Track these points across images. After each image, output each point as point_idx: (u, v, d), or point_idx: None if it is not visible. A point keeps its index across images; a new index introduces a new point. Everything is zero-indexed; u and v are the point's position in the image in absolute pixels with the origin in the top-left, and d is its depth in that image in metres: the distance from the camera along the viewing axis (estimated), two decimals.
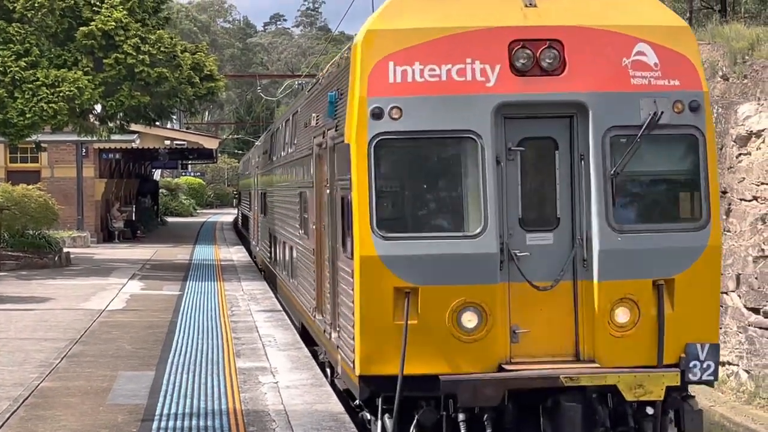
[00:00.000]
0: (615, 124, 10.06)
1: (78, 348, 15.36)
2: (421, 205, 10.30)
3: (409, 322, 9.73)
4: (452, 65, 9.93)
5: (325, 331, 12.68)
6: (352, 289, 10.13)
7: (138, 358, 14.60)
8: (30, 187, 33.18)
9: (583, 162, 10.04)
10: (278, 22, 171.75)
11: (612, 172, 10.02)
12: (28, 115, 25.61)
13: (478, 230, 9.84)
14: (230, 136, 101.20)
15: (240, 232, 50.45)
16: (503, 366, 9.90)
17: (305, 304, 15.22)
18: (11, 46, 26.05)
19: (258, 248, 30.02)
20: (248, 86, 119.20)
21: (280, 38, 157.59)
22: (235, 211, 79.12)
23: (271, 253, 23.09)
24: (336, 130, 11.26)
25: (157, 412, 11.15)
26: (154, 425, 10.56)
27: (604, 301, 9.96)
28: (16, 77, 25.66)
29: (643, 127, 10.00)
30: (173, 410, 11.25)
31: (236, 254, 36.73)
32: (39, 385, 12.51)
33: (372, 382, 10.00)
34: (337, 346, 11.49)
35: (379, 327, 9.84)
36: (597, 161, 9.99)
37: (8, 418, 10.73)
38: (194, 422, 10.72)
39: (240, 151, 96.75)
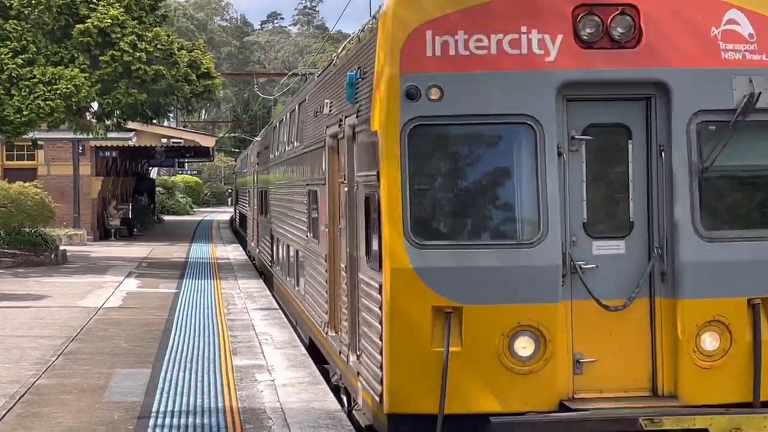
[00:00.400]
0: (703, 108, 8.32)
1: (74, 345, 15.33)
2: (466, 207, 8.47)
3: (450, 348, 8.03)
4: (504, 35, 8.20)
5: (341, 352, 11.04)
6: (379, 307, 8.49)
7: (134, 355, 14.57)
8: (26, 184, 33.17)
9: (663, 154, 8.32)
10: (275, 21, 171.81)
11: (700, 167, 8.32)
12: (24, 113, 25.60)
13: (536, 238, 8.18)
14: (227, 135, 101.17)
15: (237, 231, 50.45)
16: (565, 403, 8.19)
17: (314, 316, 13.54)
18: (8, 43, 26.05)
19: (257, 249, 28.57)
20: (245, 85, 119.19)
21: (277, 36, 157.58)
22: (232, 209, 79.32)
23: (272, 255, 21.88)
24: (357, 117, 9.56)
25: (154, 409, 11.13)
26: (151, 422, 10.53)
27: (689, 324, 8.25)
28: (12, 74, 25.65)
29: (738, 111, 8.26)
30: (170, 408, 11.22)
31: (233, 252, 36.72)
32: (35, 382, 12.48)
33: (404, 422, 8.25)
34: (357, 373, 9.82)
35: (414, 354, 8.12)
36: (680, 153, 8.28)
37: (4, 415, 10.70)
38: (191, 420, 10.68)
39: (237, 150, 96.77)
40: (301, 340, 15.86)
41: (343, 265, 10.76)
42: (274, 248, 21.26)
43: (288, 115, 18.00)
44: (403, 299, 8.13)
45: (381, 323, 8.41)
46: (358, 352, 9.75)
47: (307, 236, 14.25)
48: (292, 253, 16.92)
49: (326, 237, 12.02)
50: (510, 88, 8.18)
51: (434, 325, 8.10)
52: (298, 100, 16.09)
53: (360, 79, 9.56)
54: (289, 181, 17.54)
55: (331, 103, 11.68)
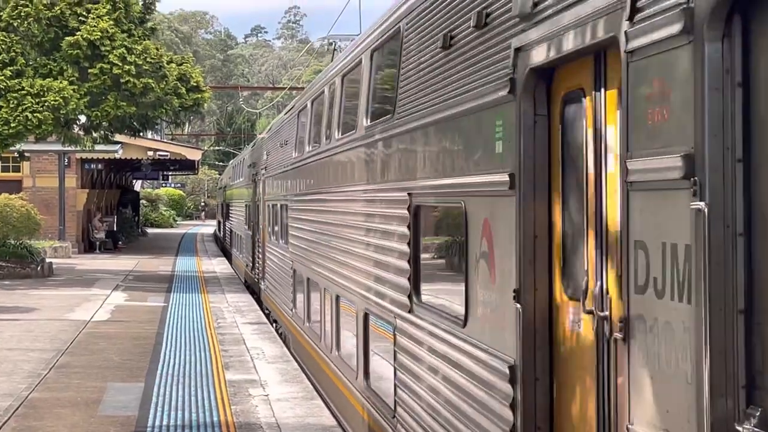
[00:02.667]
0: None
1: (65, 359, 15.27)
2: None
3: None
4: None
5: None
6: None
7: (126, 369, 14.53)
8: (12, 196, 33.09)
9: None
10: (259, 34, 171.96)
11: None
12: (12, 125, 25.52)
13: None
14: (211, 148, 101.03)
15: (221, 244, 50.31)
16: None
17: None
18: None
19: (263, 285, 23.05)
20: (229, 98, 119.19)
21: (261, 50, 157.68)
22: (215, 222, 78.87)
23: (294, 301, 15.97)
24: None
25: (149, 423, 11.10)
26: None
27: None
28: (1, 86, 25.57)
29: None
30: (165, 422, 11.19)
31: (218, 266, 36.64)
32: (28, 395, 12.42)
33: None
34: None
35: None
36: None
37: (0, 429, 10.67)
38: None
39: (221, 163, 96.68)
40: None
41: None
42: (301, 294, 15.55)
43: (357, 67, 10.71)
44: None
45: None
46: None
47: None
48: (353, 318, 10.76)
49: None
50: None
51: None
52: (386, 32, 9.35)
53: None
54: (368, 188, 10.00)
55: None
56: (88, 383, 13.34)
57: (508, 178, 5.66)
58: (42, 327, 18.66)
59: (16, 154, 31.81)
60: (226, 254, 42.90)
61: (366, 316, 10.01)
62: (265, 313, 21.54)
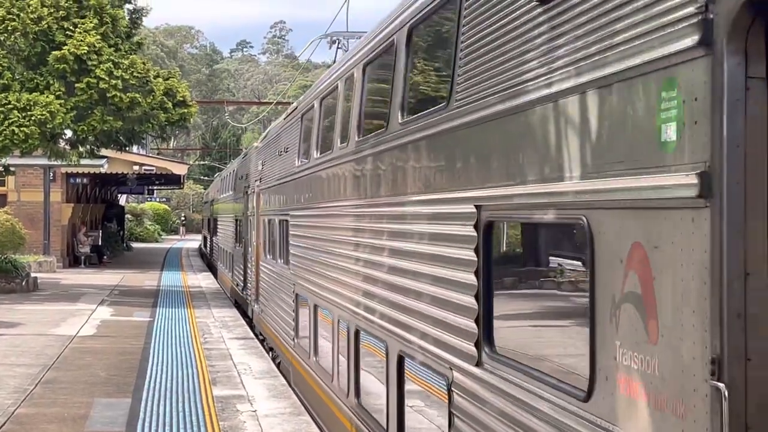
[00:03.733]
0: None
1: (51, 374, 15.20)
2: None
3: None
4: None
5: None
6: None
7: (113, 384, 14.47)
8: None
9: None
10: (244, 49, 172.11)
11: None
12: None
13: None
14: (196, 162, 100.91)
15: (207, 260, 50.19)
16: None
17: None
18: None
19: (257, 306, 21.27)
20: (214, 112, 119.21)
21: (246, 65, 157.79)
22: (195, 238, 78.50)
23: (312, 346, 13.06)
24: None
25: None
26: None
27: None
28: None
29: None
30: None
31: (204, 281, 36.57)
32: (15, 411, 12.36)
33: None
34: None
35: None
36: None
37: None
38: None
39: (206, 177, 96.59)
40: None
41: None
42: (305, 322, 13.75)
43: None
44: None
45: None
46: None
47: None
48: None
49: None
50: None
51: None
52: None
53: None
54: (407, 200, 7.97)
55: None
56: (74, 399, 13.29)
57: (695, 181, 3.67)
58: (27, 342, 18.58)
59: (1, 168, 31.72)
60: (212, 269, 42.80)
61: (401, 360, 8.00)
62: (259, 339, 19.85)
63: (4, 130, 25.41)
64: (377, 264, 8.84)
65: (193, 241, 75.18)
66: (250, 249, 23.01)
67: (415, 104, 7.89)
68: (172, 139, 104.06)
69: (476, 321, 6.02)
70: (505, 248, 6.33)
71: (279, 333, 16.79)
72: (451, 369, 6.54)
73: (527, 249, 6.08)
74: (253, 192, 22.08)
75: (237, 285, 27.59)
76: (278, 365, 16.42)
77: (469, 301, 6.15)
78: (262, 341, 19.38)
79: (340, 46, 23.04)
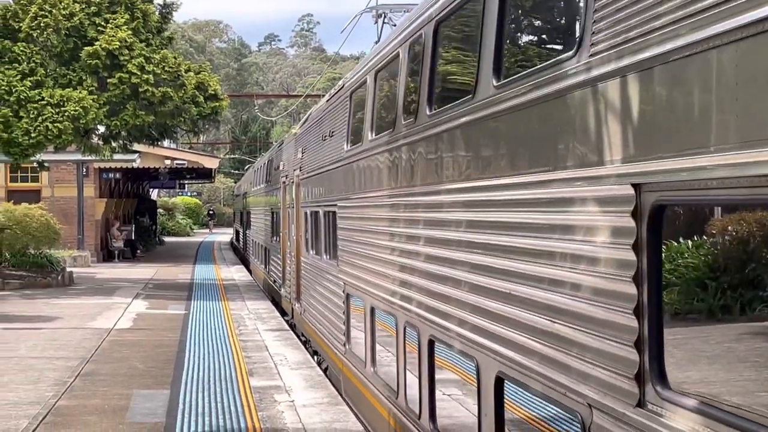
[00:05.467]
0: None
1: (90, 367, 15.35)
2: None
3: None
4: None
5: None
6: None
7: (151, 376, 14.59)
8: (31, 206, 33.23)
9: None
10: (273, 43, 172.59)
11: None
12: (33, 135, 25.67)
13: None
14: (226, 156, 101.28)
15: (240, 254, 50.34)
16: None
17: None
18: (16, 65, 26.17)
19: (299, 306, 19.73)
20: (244, 106, 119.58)
21: (274, 58, 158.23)
22: (225, 231, 78.46)
23: (369, 355, 11.44)
24: None
25: (177, 430, 11.15)
26: None
27: None
28: (21, 97, 25.73)
29: None
30: (192, 428, 11.24)
31: (237, 274, 36.74)
32: (56, 403, 12.49)
33: None
34: None
35: None
36: None
37: None
38: None
39: (236, 171, 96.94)
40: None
41: None
42: (359, 328, 12.23)
43: None
44: None
45: None
46: None
47: None
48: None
49: None
50: None
51: None
52: None
53: None
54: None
55: None
56: (114, 391, 13.41)
57: None
58: (65, 335, 18.75)
59: (35, 164, 32.00)
60: (245, 262, 42.93)
61: (500, 384, 6.41)
62: (302, 341, 18.65)
63: (38, 126, 25.62)
64: (463, 263, 7.25)
65: (224, 235, 75.47)
66: (289, 243, 21.80)
67: (520, 60, 6.47)
68: (202, 134, 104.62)
69: (636, 345, 4.42)
70: (690, 246, 4.36)
71: (326, 337, 15.35)
72: (589, 407, 4.91)
73: (730, 248, 4.09)
74: (292, 182, 20.88)
75: (274, 282, 26.62)
76: (325, 371, 15.35)
77: (625, 317, 4.52)
78: (304, 343, 18.37)
79: (386, 21, 21.08)
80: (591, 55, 4.86)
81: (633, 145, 4.50)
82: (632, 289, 4.45)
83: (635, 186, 4.42)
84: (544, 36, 6.40)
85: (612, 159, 4.69)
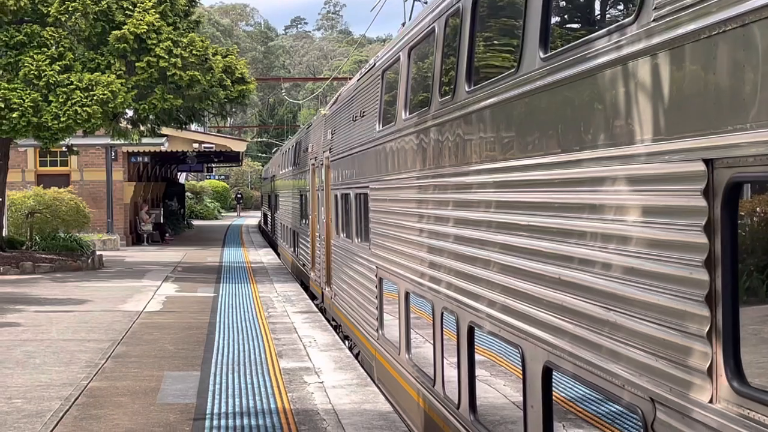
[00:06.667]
0: None
1: (121, 349, 15.47)
2: None
3: None
4: None
5: None
6: None
7: (181, 358, 14.68)
8: (61, 190, 33.50)
9: None
10: (299, 26, 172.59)
11: None
12: (62, 119, 25.82)
13: None
14: (254, 140, 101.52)
15: (268, 237, 50.49)
16: None
17: None
18: (45, 50, 26.31)
19: (330, 291, 19.19)
20: (270, 89, 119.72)
21: (301, 41, 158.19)
22: (254, 215, 78.60)
23: (404, 341, 11.15)
24: None
25: (208, 411, 11.23)
26: (207, 424, 10.62)
27: None
28: (50, 81, 25.88)
29: None
30: (223, 409, 11.32)
31: (265, 257, 36.87)
32: (87, 384, 12.60)
33: None
34: None
35: None
36: None
37: (62, 417, 10.82)
38: (245, 421, 10.78)
39: (263, 155, 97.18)
40: None
41: None
42: (393, 314, 11.86)
43: None
44: None
45: None
46: None
47: None
48: None
49: None
50: None
51: None
52: None
53: None
54: None
55: None
56: (145, 372, 13.51)
57: None
58: (96, 318, 18.90)
59: (64, 148, 32.22)
60: (273, 246, 43.06)
61: (548, 374, 6.13)
62: (332, 325, 18.45)
63: (68, 110, 25.77)
64: (509, 247, 6.84)
65: (251, 219, 75.73)
66: (318, 226, 21.48)
67: (571, 29, 6.17)
68: (230, 117, 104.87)
69: (708, 336, 4.08)
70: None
71: (358, 322, 15.09)
72: (652, 402, 4.57)
73: None
74: (321, 165, 20.40)
75: (303, 265, 26.24)
76: (356, 356, 15.10)
77: (695, 305, 4.19)
78: (335, 328, 18.17)
79: None
80: (654, 20, 4.46)
81: (705, 117, 4.10)
82: (703, 275, 4.09)
83: (708, 162, 4.06)
84: (597, 1, 5.89)
85: (680, 133, 4.29)
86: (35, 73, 25.88)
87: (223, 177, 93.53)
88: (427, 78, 9.83)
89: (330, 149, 18.91)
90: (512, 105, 6.73)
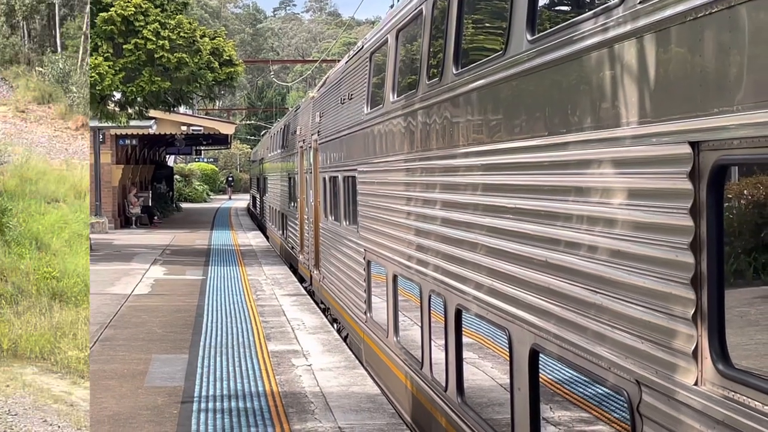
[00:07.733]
0: None
1: (109, 332, 15.45)
2: None
3: None
4: None
5: None
6: None
7: (169, 341, 14.68)
8: None
9: None
10: (288, 8, 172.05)
11: None
12: None
13: None
14: (242, 122, 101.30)
15: (257, 220, 50.43)
16: None
17: None
18: None
19: (319, 274, 19.11)
20: (259, 72, 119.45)
21: (290, 24, 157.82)
22: (242, 198, 78.34)
23: (391, 324, 11.21)
24: None
25: (196, 394, 11.24)
26: (194, 407, 10.64)
27: None
28: None
29: None
30: (211, 392, 11.33)
31: (254, 240, 36.84)
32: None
33: None
34: None
35: None
36: None
37: None
38: (233, 404, 10.79)
39: (252, 137, 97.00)
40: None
41: None
42: (381, 296, 12.05)
43: None
44: None
45: None
46: None
47: None
48: None
49: None
50: None
51: None
52: None
53: None
54: None
55: None
56: (133, 355, 13.51)
57: None
58: None
59: None
60: (262, 228, 43.01)
61: (535, 356, 6.16)
62: (320, 308, 18.40)
63: None
64: (495, 230, 6.87)
65: (241, 201, 75.65)
66: (306, 209, 21.43)
67: (558, 12, 6.20)
68: (218, 100, 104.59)
69: (693, 318, 4.12)
70: (745, 209, 4.03)
71: (345, 304, 15.12)
72: (638, 384, 4.63)
73: None
74: (309, 147, 20.38)
75: (292, 248, 26.11)
76: (345, 338, 15.11)
77: (681, 288, 4.21)
78: (324, 311, 18.11)
79: None
80: (641, 2, 4.49)
81: (690, 100, 4.08)
82: (690, 258, 4.11)
83: (693, 144, 4.07)
84: None
85: (666, 115, 4.29)
86: None
87: (211, 160, 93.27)
88: (414, 60, 9.79)
89: (318, 132, 18.88)
90: (499, 87, 6.73)
